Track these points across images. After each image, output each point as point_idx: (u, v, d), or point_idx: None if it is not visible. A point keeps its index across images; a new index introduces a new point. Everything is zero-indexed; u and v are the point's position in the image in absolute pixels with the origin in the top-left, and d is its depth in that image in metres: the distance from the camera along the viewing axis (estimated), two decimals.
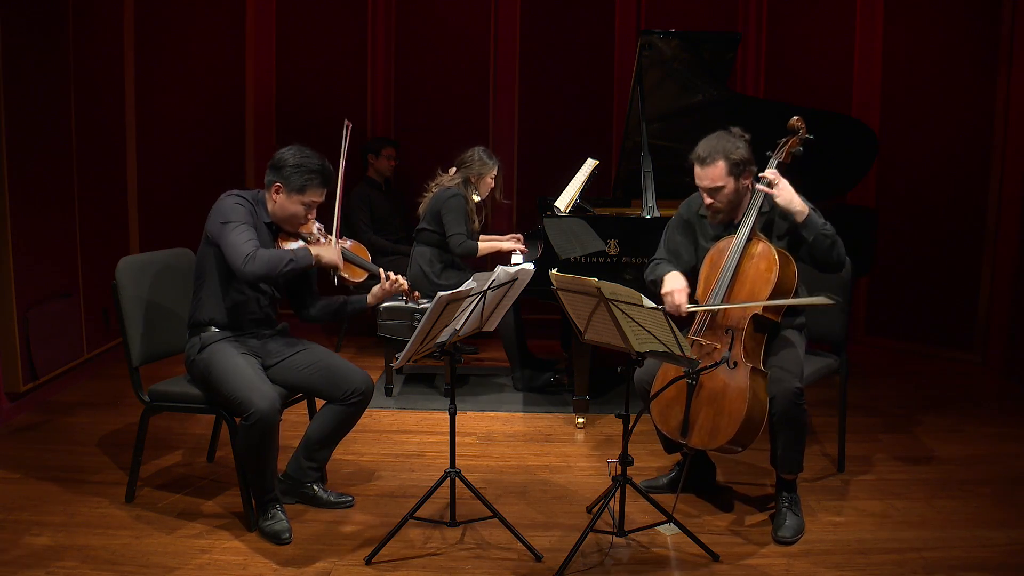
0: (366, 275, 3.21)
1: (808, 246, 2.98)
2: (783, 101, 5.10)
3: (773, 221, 3.12)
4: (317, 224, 3.21)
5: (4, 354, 4.02)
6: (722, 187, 3.06)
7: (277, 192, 3.03)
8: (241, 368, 2.93)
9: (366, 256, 3.29)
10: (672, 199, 4.41)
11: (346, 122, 3.16)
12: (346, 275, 3.14)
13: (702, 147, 3.09)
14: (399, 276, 3.16)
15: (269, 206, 3.08)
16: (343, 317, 3.37)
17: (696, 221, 3.29)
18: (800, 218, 2.95)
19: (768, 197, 3.03)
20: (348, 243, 3.25)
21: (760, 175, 3.03)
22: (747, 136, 3.10)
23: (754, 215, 3.05)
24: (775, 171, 3.02)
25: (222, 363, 2.95)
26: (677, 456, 3.36)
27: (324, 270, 3.12)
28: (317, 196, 3.05)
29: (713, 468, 3.37)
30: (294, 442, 3.28)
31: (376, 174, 5.57)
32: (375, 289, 3.20)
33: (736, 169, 3.04)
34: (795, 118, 3.14)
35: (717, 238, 3.18)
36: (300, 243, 3.10)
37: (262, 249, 2.92)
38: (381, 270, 3.17)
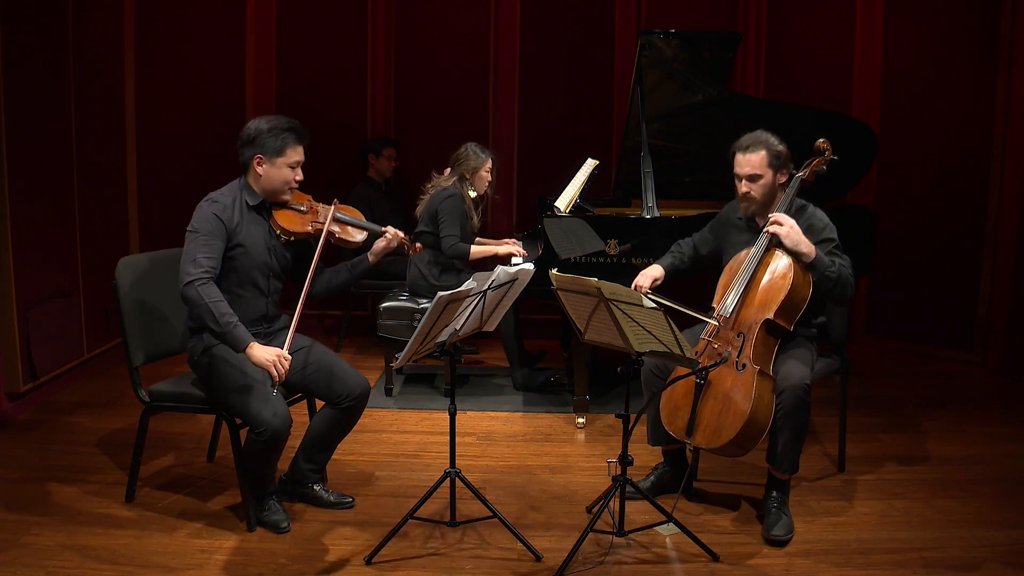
0: (365, 235, 3.20)
1: (813, 283, 3.05)
2: (783, 101, 5.11)
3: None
4: (308, 196, 3.19)
5: (4, 354, 4.02)
6: (760, 176, 3.15)
7: (259, 164, 3.01)
8: (248, 380, 2.89)
9: (360, 216, 3.26)
10: (672, 199, 4.43)
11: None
12: (344, 237, 3.14)
13: (745, 138, 3.20)
14: (392, 229, 3.18)
15: (255, 185, 3.05)
16: (350, 283, 3.31)
17: (729, 222, 3.37)
18: (807, 260, 3.02)
19: (792, 209, 3.13)
20: (332, 210, 3.16)
21: (769, 215, 3.10)
22: (784, 144, 3.21)
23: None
24: (783, 214, 3.08)
25: (229, 373, 2.91)
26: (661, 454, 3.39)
27: (334, 244, 3.13)
28: (297, 154, 3.03)
29: (687, 469, 3.37)
30: (293, 442, 3.28)
31: (376, 174, 5.57)
32: (376, 246, 3.19)
33: (776, 161, 3.15)
34: (822, 140, 3.28)
35: (742, 241, 3.25)
36: (302, 226, 3.06)
37: (211, 287, 2.84)
38: (381, 228, 3.19)
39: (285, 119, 3.04)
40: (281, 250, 3.12)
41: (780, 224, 3.02)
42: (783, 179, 3.17)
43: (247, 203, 3.04)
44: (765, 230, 3.07)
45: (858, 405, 4.35)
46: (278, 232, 3.08)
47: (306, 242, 3.19)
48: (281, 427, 2.83)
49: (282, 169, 3.01)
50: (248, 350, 2.81)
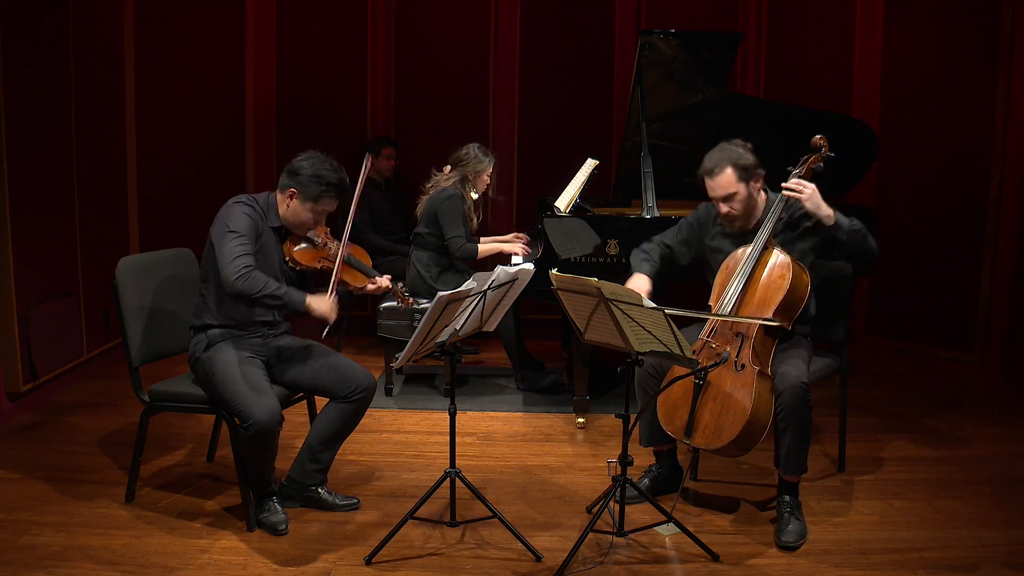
0: (367, 281, 3.27)
1: (842, 246, 3.05)
2: (783, 101, 5.11)
3: (798, 225, 3.16)
4: (326, 229, 3.25)
5: (4, 354, 4.02)
6: (734, 193, 3.12)
7: (291, 198, 3.07)
8: (243, 375, 2.93)
9: (367, 260, 3.36)
10: (672, 199, 4.43)
11: (367, 155, 3.21)
12: (349, 281, 3.21)
13: (707, 160, 3.16)
14: (384, 280, 3.26)
15: (281, 210, 3.11)
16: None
17: (709, 222, 3.35)
18: (830, 221, 3.02)
19: (787, 206, 3.12)
20: (342, 252, 3.22)
21: (783, 184, 3.09)
22: (749, 144, 3.17)
23: (771, 225, 3.10)
24: (798, 179, 3.07)
25: (224, 368, 2.95)
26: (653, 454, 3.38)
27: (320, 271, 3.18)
28: (330, 207, 3.10)
29: (681, 472, 3.38)
30: (294, 442, 3.28)
31: (376, 174, 5.57)
32: (367, 286, 3.26)
33: (744, 173, 3.11)
34: (818, 136, 3.24)
35: (725, 237, 3.25)
36: (305, 245, 3.16)
37: (259, 273, 2.92)
38: (377, 276, 3.27)
39: (335, 173, 3.05)
40: (288, 274, 3.19)
41: (801, 189, 3.03)
42: (758, 184, 3.15)
43: (269, 224, 3.10)
44: (783, 194, 3.07)
45: (858, 405, 4.35)
46: (288, 259, 3.14)
47: (309, 275, 3.25)
48: (269, 422, 2.84)
49: (307, 213, 3.07)
50: (308, 305, 2.99)
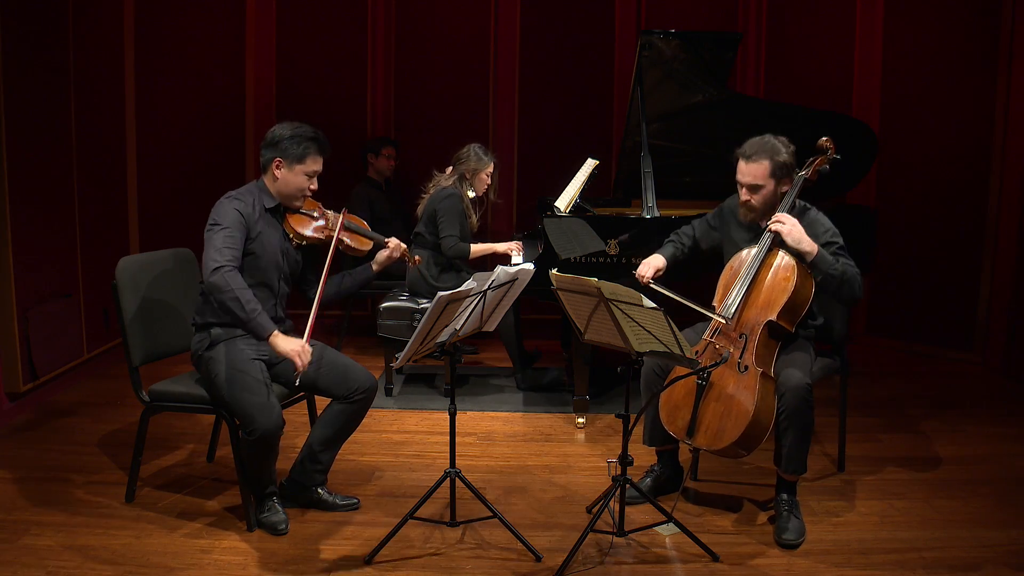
0: (371, 244, 3.27)
1: (818, 284, 3.02)
2: (783, 101, 5.11)
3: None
4: (319, 204, 3.24)
5: (4, 354, 4.02)
6: (762, 186, 3.10)
7: (278, 168, 3.06)
8: (246, 379, 2.91)
9: (366, 226, 3.34)
10: (672, 199, 4.43)
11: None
12: (353, 245, 3.21)
13: (749, 144, 3.13)
14: (395, 240, 3.27)
15: (271, 187, 3.10)
16: (354, 290, 3.36)
17: (733, 217, 3.33)
18: (808, 258, 2.98)
19: (794, 209, 3.10)
20: (342, 219, 3.22)
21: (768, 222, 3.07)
22: (792, 147, 3.13)
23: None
24: (784, 213, 3.05)
25: (227, 371, 2.94)
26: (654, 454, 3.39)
27: (340, 249, 3.17)
28: (316, 164, 3.08)
29: (682, 471, 3.37)
30: (294, 442, 3.28)
31: (376, 174, 5.58)
32: (379, 256, 3.27)
33: (779, 171, 3.09)
34: (824, 138, 3.23)
35: (743, 232, 3.24)
36: (313, 226, 3.17)
37: (237, 276, 2.86)
38: (384, 238, 3.27)
39: (310, 128, 3.09)
40: (292, 254, 3.17)
41: (782, 223, 3.00)
42: (785, 187, 3.12)
43: (264, 205, 3.08)
44: (767, 229, 3.05)
45: (858, 405, 4.36)
46: (291, 236, 3.13)
47: (315, 249, 3.25)
48: (272, 427, 2.85)
49: (299, 176, 3.06)
50: (272, 338, 2.85)
